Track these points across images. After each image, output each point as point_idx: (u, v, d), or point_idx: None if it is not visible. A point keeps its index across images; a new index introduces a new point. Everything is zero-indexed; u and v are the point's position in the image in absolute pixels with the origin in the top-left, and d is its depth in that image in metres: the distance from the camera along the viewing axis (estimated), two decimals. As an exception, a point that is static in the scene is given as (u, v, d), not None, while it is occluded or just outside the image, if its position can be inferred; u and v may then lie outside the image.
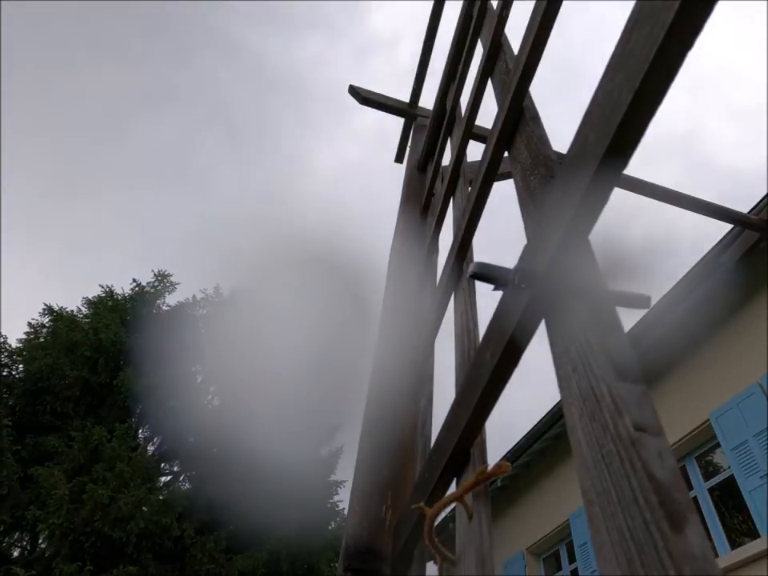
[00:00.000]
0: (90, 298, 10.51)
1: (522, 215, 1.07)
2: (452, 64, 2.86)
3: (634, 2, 0.62)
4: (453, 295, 1.58)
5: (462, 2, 2.76)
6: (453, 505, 0.92)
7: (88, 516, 7.14)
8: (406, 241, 2.43)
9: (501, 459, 6.72)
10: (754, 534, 4.47)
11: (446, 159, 2.37)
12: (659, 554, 0.40)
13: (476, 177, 1.47)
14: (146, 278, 11.01)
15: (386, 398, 1.64)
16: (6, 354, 9.22)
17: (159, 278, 11.06)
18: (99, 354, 9.17)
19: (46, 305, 9.95)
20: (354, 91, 3.66)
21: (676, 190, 3.95)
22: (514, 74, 1.32)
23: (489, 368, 0.83)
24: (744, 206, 4.67)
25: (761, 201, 4.69)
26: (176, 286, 11.18)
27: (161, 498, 7.88)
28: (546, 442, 7.05)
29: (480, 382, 0.87)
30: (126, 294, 10.80)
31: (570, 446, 0.59)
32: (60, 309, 10.00)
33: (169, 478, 9.89)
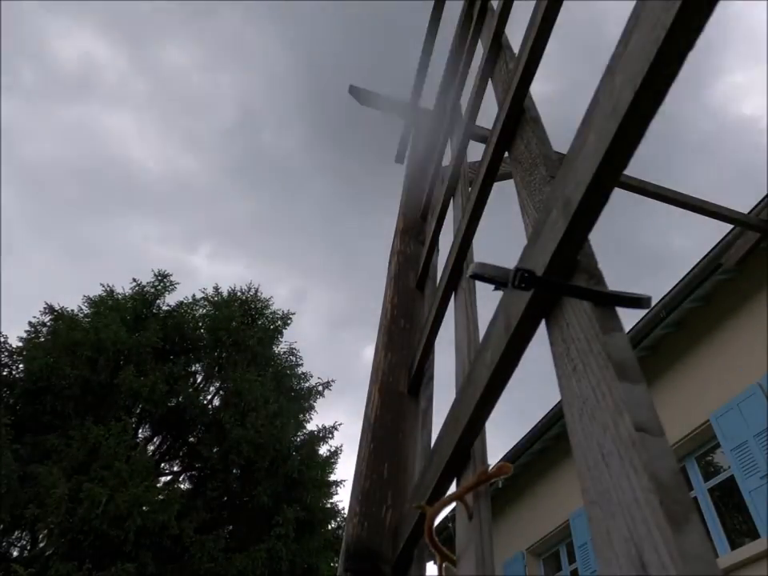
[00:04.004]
0: (90, 297, 10.52)
1: (522, 215, 1.07)
2: (452, 64, 2.86)
3: (634, 2, 0.62)
4: (453, 295, 1.58)
5: (462, 2, 2.77)
6: (453, 505, 0.92)
7: (86, 514, 7.14)
8: (407, 241, 2.43)
9: (501, 459, 6.72)
10: (754, 534, 4.47)
11: (447, 159, 2.37)
12: (659, 554, 0.40)
13: (476, 177, 1.47)
14: (146, 278, 11.03)
15: (386, 397, 1.64)
16: (6, 353, 9.22)
17: (159, 277, 11.06)
18: (99, 353, 9.16)
19: (46, 304, 9.97)
20: (355, 91, 3.66)
21: (676, 190, 3.95)
22: (515, 75, 1.32)
23: (489, 368, 0.83)
24: (744, 205, 4.67)
25: (761, 201, 4.70)
26: (176, 286, 11.18)
27: (160, 496, 7.88)
28: (546, 442, 7.05)
29: (480, 382, 0.87)
30: (127, 294, 10.81)
31: (570, 446, 0.59)
32: (61, 308, 10.01)
33: (169, 477, 9.90)
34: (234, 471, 9.10)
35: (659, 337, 5.72)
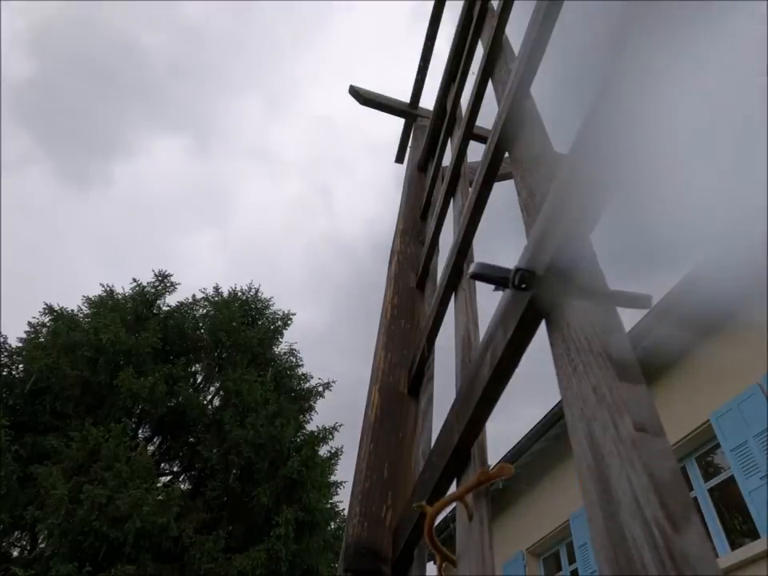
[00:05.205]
0: (90, 297, 10.51)
1: (523, 216, 1.07)
2: (452, 64, 2.86)
3: (635, 2, 0.62)
4: (453, 295, 1.58)
5: (462, 3, 2.77)
6: (453, 505, 0.92)
7: (86, 516, 7.14)
8: (407, 241, 2.43)
9: (501, 459, 6.71)
10: (754, 534, 4.47)
11: (447, 160, 2.37)
12: (660, 554, 0.40)
13: (476, 177, 1.47)
14: (146, 278, 11.02)
15: (386, 397, 1.64)
16: (5, 353, 9.21)
17: (159, 277, 11.05)
18: (99, 353, 9.15)
19: (46, 304, 9.96)
20: (355, 92, 3.66)
21: (676, 190, 3.95)
22: (515, 75, 1.32)
23: (489, 368, 0.83)
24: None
25: (761, 201, 4.69)
26: (176, 286, 11.18)
27: (159, 497, 7.87)
28: (547, 442, 7.05)
29: (480, 382, 0.87)
30: (126, 294, 10.80)
31: (571, 447, 0.59)
32: (60, 308, 10.00)
33: (168, 478, 9.89)
34: (234, 472, 9.08)
35: (659, 337, 5.71)
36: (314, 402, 11.02)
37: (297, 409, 10.42)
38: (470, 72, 2.40)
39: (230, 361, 10.29)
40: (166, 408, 9.29)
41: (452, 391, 1.18)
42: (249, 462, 8.93)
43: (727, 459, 4.85)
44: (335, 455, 10.46)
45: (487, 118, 1.87)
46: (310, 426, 10.66)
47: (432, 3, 3.34)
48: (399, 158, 3.92)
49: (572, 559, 6.69)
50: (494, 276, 0.80)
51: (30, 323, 9.79)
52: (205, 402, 10.08)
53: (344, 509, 10.09)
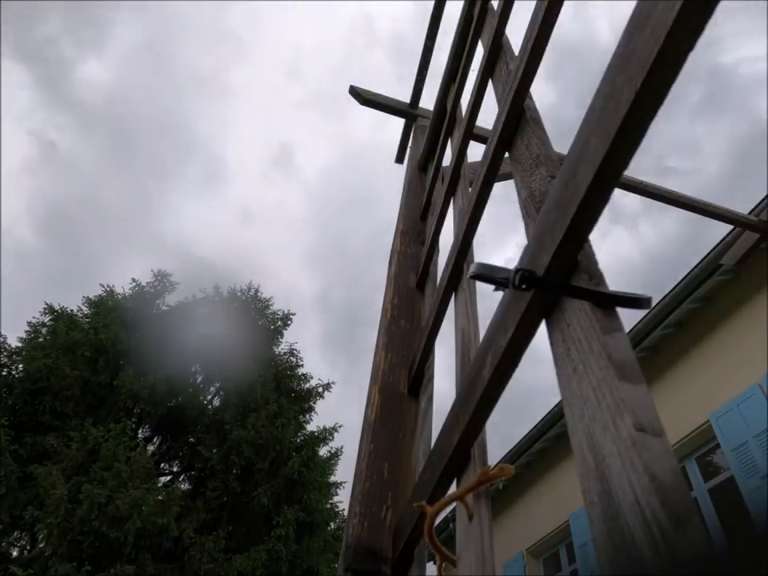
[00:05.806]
0: (90, 297, 10.50)
1: (523, 216, 1.07)
2: (453, 65, 2.86)
3: (635, 3, 0.62)
4: (453, 296, 1.58)
5: (462, 3, 2.77)
6: (453, 505, 0.92)
7: (85, 515, 7.13)
8: (406, 241, 2.43)
9: (501, 459, 6.71)
10: (754, 535, 4.46)
11: (447, 160, 2.38)
12: (660, 554, 0.40)
13: (476, 177, 1.47)
14: (145, 278, 11.02)
15: (386, 397, 1.64)
16: (5, 353, 9.20)
17: (159, 277, 11.05)
18: (99, 353, 9.15)
19: (46, 304, 9.95)
20: (355, 92, 3.66)
21: (677, 191, 3.95)
22: (515, 75, 1.32)
23: (489, 368, 0.83)
24: (744, 206, 4.68)
25: (761, 201, 4.70)
26: (176, 286, 11.17)
27: (159, 497, 7.86)
28: (547, 442, 7.05)
29: (480, 382, 0.87)
30: (126, 294, 10.80)
31: (571, 447, 0.59)
32: (60, 308, 9.99)
33: (168, 478, 9.88)
34: (234, 472, 9.08)
35: (659, 337, 5.72)
36: (314, 403, 11.02)
37: (297, 409, 10.42)
38: (470, 71, 2.40)
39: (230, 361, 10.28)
40: (165, 408, 9.28)
41: (452, 391, 1.18)
42: (249, 462, 8.93)
43: (727, 459, 4.85)
44: (335, 455, 10.45)
45: (487, 118, 1.87)
46: (310, 427, 10.66)
47: (432, 3, 3.34)
48: (399, 158, 3.92)
49: (572, 559, 6.68)
50: (494, 276, 0.80)
51: (29, 323, 9.78)
52: (205, 402, 10.08)
53: (344, 509, 10.08)
